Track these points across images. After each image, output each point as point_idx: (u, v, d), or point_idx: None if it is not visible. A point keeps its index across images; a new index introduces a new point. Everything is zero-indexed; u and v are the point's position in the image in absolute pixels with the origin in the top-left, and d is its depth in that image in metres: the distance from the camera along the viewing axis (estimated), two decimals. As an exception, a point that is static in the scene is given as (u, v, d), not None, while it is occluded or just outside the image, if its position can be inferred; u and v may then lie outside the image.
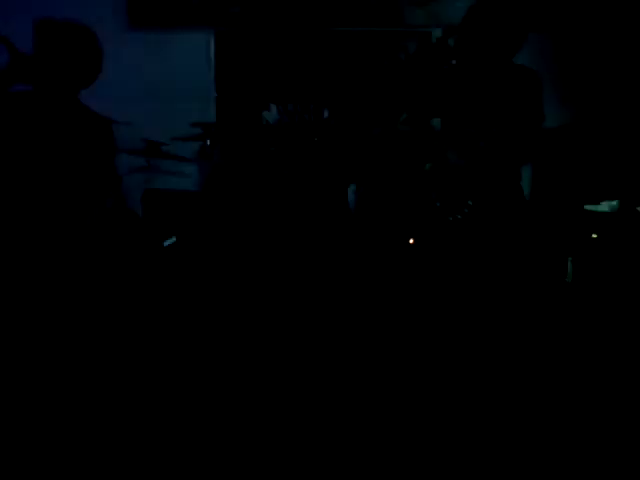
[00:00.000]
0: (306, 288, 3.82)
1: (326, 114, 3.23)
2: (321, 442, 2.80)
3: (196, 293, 4.27)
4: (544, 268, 4.04)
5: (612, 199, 4.09)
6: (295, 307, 3.82)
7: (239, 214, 4.42)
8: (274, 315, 3.80)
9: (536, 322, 3.51)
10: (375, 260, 3.55)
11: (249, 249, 4.47)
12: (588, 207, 4.14)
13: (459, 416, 2.92)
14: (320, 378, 3.30)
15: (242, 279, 4.28)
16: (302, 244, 3.86)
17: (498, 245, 2.88)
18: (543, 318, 3.62)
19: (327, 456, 2.71)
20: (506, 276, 2.95)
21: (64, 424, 2.85)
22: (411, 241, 4.30)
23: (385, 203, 3.21)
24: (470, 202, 2.52)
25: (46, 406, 2.91)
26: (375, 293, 3.68)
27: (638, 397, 3.03)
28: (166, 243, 4.70)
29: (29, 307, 2.95)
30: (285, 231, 4.00)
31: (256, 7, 5.37)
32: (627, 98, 4.71)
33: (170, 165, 5.18)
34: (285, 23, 5.29)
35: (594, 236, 4.08)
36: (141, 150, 4.92)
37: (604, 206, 4.08)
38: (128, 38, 5.28)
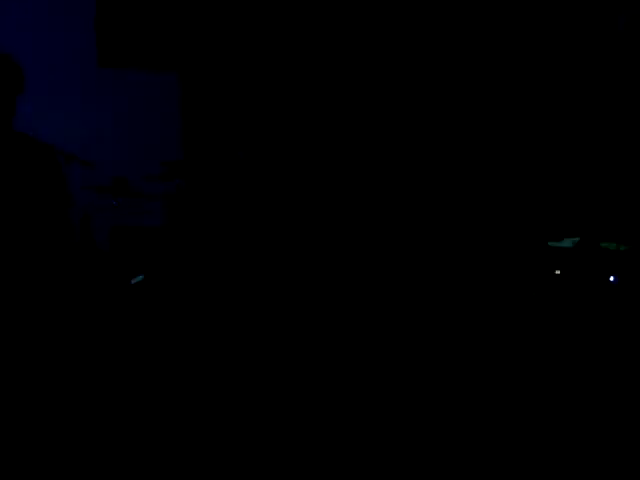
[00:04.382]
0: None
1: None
2: (317, 442, 2.81)
3: (163, 324, 4.25)
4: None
5: (574, 236, 4.27)
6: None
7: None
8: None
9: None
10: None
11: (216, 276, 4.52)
12: (552, 244, 4.31)
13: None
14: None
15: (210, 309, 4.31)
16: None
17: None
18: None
19: (326, 456, 2.71)
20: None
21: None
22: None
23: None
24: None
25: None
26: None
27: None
28: (134, 281, 4.66)
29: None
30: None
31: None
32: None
33: (137, 202, 5.17)
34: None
35: (557, 272, 4.25)
36: (108, 188, 4.91)
37: (567, 242, 4.26)
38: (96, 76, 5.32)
